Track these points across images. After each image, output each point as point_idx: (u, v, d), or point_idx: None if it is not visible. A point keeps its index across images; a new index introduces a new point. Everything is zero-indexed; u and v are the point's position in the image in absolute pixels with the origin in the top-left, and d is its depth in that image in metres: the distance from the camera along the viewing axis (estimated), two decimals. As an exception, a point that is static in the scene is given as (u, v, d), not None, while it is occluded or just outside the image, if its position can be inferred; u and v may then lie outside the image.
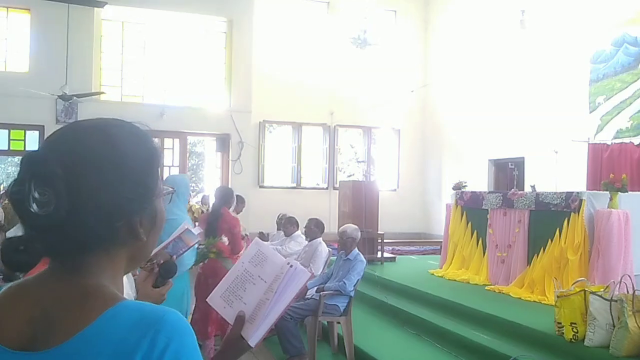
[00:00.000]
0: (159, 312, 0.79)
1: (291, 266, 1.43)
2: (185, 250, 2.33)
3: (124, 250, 0.88)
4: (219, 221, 5.09)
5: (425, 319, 5.65)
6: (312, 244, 6.25)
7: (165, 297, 1.87)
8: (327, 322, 5.47)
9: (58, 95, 9.95)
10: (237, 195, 6.25)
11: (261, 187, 13.75)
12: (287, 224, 6.80)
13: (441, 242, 8.53)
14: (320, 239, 6.29)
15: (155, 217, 0.91)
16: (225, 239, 5.00)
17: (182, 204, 4.32)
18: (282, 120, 14.27)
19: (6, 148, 11.82)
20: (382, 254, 8.68)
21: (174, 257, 2.11)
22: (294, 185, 14.50)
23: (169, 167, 13.25)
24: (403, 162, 15.23)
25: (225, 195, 5.37)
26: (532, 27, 10.31)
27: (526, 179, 10.94)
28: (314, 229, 6.26)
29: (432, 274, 7.48)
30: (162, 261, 1.92)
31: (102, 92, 11.47)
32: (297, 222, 6.84)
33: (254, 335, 1.34)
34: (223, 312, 1.47)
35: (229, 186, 6.14)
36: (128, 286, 1.90)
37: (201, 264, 5.05)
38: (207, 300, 1.54)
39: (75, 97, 10.26)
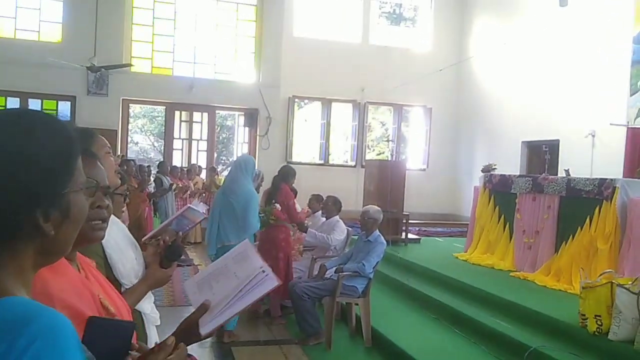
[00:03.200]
0: (29, 315, 0.74)
1: (263, 271, 1.45)
2: (192, 227, 2.37)
3: (30, 245, 0.85)
4: (276, 194, 5.69)
5: (446, 303, 5.55)
6: (329, 222, 6.18)
7: (171, 277, 1.89)
8: (346, 303, 5.43)
9: (87, 67, 10.03)
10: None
11: (289, 162, 13.70)
12: (331, 205, 6.38)
13: (469, 224, 8.37)
14: (337, 216, 6.21)
15: (69, 211, 0.88)
16: (278, 206, 5.70)
17: (249, 178, 5.22)
18: (312, 96, 14.14)
19: (38, 110, 12.04)
20: (406, 235, 8.56)
21: (180, 233, 2.12)
22: (322, 162, 14.43)
23: (197, 140, 13.32)
24: (434, 141, 14.97)
25: (285, 173, 5.97)
26: (572, 5, 9.86)
27: (560, 162, 10.61)
28: (331, 206, 6.19)
29: (456, 258, 7.35)
30: (167, 238, 1.93)
31: (130, 65, 11.52)
32: (340, 204, 6.42)
33: (207, 325, 1.37)
34: (192, 297, 1.51)
35: (287, 164, 6.35)
36: (136, 262, 1.89)
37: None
38: (183, 284, 1.55)
39: (103, 69, 10.32)
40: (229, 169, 6.68)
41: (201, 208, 2.33)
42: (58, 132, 0.87)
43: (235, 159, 14.81)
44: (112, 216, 1.89)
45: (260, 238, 5.81)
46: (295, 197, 6.97)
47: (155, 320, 1.97)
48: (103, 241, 1.69)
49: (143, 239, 2.17)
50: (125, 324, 1.06)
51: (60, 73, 11.18)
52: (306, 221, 6.38)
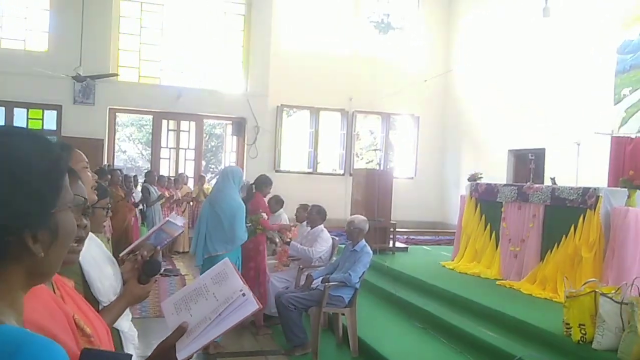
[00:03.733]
0: (16, 344, 0.71)
1: (243, 294, 1.42)
2: (170, 241, 2.33)
3: (18, 267, 0.82)
4: (248, 202, 5.64)
5: (432, 312, 5.56)
6: (313, 232, 6.11)
7: (149, 293, 1.86)
8: (332, 312, 5.42)
9: (72, 77, 9.97)
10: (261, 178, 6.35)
11: (277, 171, 13.69)
12: (315, 214, 6.19)
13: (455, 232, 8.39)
14: (322, 226, 6.15)
15: (57, 231, 0.86)
16: (264, 215, 5.73)
17: (236, 188, 5.24)
18: (300, 104, 14.16)
19: (25, 127, 11.92)
20: (393, 244, 8.58)
21: (158, 247, 2.08)
22: (311, 170, 14.43)
23: (185, 149, 13.27)
24: (421, 150, 15.04)
25: (260, 182, 6.03)
26: (557, 16, 9.99)
27: (546, 171, 10.69)
28: (315, 216, 6.14)
29: (444, 266, 7.37)
30: (145, 253, 1.89)
31: (116, 74, 11.47)
32: (325, 213, 6.25)
33: (185, 349, 1.34)
34: (169, 318, 1.47)
35: (265, 174, 6.28)
36: (114, 279, 1.86)
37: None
38: (161, 303, 1.52)
39: (88, 79, 10.27)
40: (216, 178, 6.65)
41: (179, 221, 2.30)
42: (45, 149, 0.85)
43: (223, 167, 14.79)
44: (90, 233, 1.87)
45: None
46: (281, 206, 6.96)
47: (132, 339, 1.93)
48: (80, 259, 1.67)
49: (120, 255, 2.14)
50: (122, 357, 1.03)
51: (47, 82, 11.11)
52: (291, 234, 6.34)
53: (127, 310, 1.87)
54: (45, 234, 0.83)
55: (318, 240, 5.97)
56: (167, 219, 2.28)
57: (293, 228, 6.50)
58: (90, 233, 1.85)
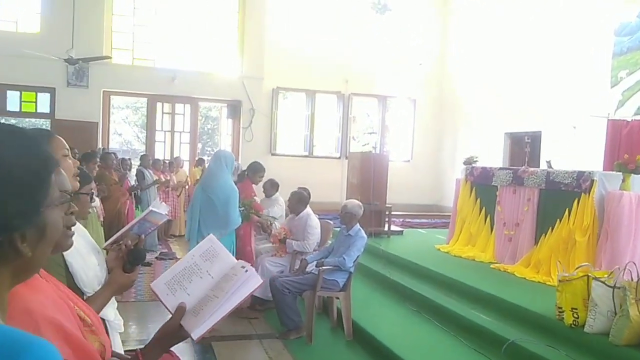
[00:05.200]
0: (23, 343, 0.69)
1: (246, 270, 1.44)
2: (154, 229, 2.32)
3: (6, 267, 0.81)
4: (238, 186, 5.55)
5: (427, 296, 5.58)
6: (300, 219, 6.02)
7: (134, 282, 1.84)
8: (327, 296, 5.43)
9: (64, 59, 9.86)
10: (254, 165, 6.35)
11: (273, 154, 13.66)
12: (294, 203, 6.10)
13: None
14: (308, 210, 6.08)
15: (45, 230, 0.85)
16: (257, 199, 5.77)
17: (229, 172, 5.27)
18: (296, 87, 14.07)
19: (18, 110, 11.84)
20: (389, 227, 8.58)
21: (143, 236, 2.08)
22: (307, 154, 14.40)
23: (180, 132, 13.21)
24: (418, 132, 15.01)
25: (252, 168, 5.97)
26: (555, -4, 9.90)
27: (542, 154, 10.68)
28: (296, 205, 6.05)
29: (438, 250, 7.38)
30: (129, 242, 1.89)
31: (109, 57, 11.35)
32: (306, 199, 6.11)
33: (198, 329, 1.37)
34: (165, 299, 1.48)
35: (258, 161, 6.21)
36: (98, 268, 1.84)
37: None
38: (151, 285, 1.52)
39: (81, 61, 10.16)
40: (208, 162, 6.61)
41: (163, 210, 2.28)
42: (32, 147, 0.84)
43: (215, 151, 14.75)
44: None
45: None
46: (277, 190, 6.93)
47: (119, 327, 1.93)
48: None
49: (104, 245, 2.12)
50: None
51: (40, 64, 11.00)
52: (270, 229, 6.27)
53: (113, 299, 1.86)
54: (33, 233, 0.82)
55: (307, 229, 5.87)
56: (150, 208, 2.26)
57: (275, 223, 6.38)
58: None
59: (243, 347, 5.00)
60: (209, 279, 1.47)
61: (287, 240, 5.86)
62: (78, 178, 1.81)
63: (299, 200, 6.05)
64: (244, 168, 5.95)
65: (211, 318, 1.37)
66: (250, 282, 1.43)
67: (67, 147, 1.76)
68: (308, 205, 6.13)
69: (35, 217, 0.82)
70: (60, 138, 1.74)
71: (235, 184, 5.46)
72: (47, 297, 1.05)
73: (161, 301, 1.49)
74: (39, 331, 0.93)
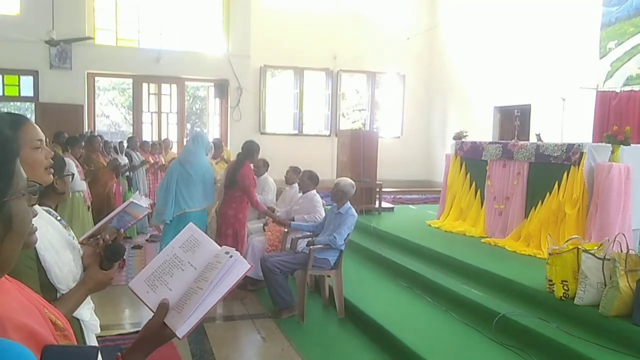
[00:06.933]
0: None
1: (230, 256, 1.34)
2: (134, 223, 2.21)
3: None
4: (238, 171, 5.55)
5: (418, 272, 5.58)
6: (306, 196, 6.10)
7: (112, 280, 1.71)
8: (318, 275, 5.43)
9: (45, 41, 9.65)
10: (215, 141, 6.70)
11: (262, 133, 13.56)
12: (306, 180, 6.10)
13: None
14: (314, 191, 6.14)
15: (11, 221, 0.78)
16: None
17: (204, 151, 5.46)
18: (284, 65, 13.91)
19: (0, 94, 11.62)
20: (379, 204, 8.57)
21: (122, 230, 1.96)
22: (296, 132, 14.31)
23: (167, 113, 13.06)
24: (408, 108, 14.94)
25: (249, 149, 5.71)
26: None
27: (532, 127, 10.68)
28: (307, 181, 6.09)
29: (429, 225, 7.39)
30: (107, 237, 1.75)
31: (91, 38, 11.14)
32: (317, 178, 6.16)
33: (183, 325, 1.26)
34: (145, 297, 1.38)
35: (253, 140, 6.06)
36: (74, 264, 1.72)
37: (215, 211, 5.86)
38: (129, 285, 1.44)
39: (62, 43, 9.94)
40: (186, 141, 6.68)
41: (144, 202, 2.17)
42: None
43: (207, 130, 14.62)
44: (48, 216, 1.74)
45: (217, 214, 5.83)
46: (267, 169, 6.88)
47: (95, 328, 1.80)
48: (37, 243, 1.56)
49: (81, 239, 1.98)
50: (88, 350, 0.95)
51: (21, 47, 10.79)
52: (277, 209, 6.27)
53: (89, 298, 1.74)
54: None
55: (316, 204, 6.00)
56: (130, 200, 2.13)
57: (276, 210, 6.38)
58: (49, 217, 1.73)
59: (235, 328, 5.00)
60: (192, 270, 1.38)
61: (295, 223, 5.73)
62: (52, 170, 1.69)
63: (310, 177, 6.10)
64: (240, 150, 5.80)
65: (196, 312, 1.27)
66: (237, 268, 1.34)
67: (41, 137, 1.61)
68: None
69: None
70: (35, 125, 1.60)
71: (236, 170, 5.58)
72: (14, 300, 0.96)
73: (142, 301, 1.39)
74: (6, 338, 0.87)
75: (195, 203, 5.31)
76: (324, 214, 5.90)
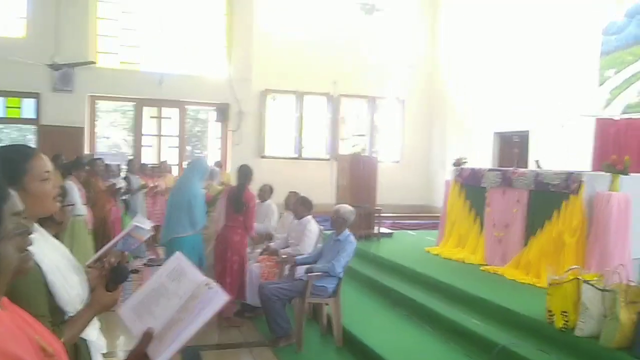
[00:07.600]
0: None
1: (209, 288, 1.37)
2: (138, 245, 2.27)
3: None
4: (242, 196, 5.62)
5: (417, 300, 5.54)
6: (301, 222, 6.08)
7: (118, 301, 1.77)
8: (316, 303, 5.38)
9: (48, 65, 9.73)
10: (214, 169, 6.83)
11: (262, 157, 13.58)
12: (299, 206, 6.14)
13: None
14: (310, 217, 6.11)
15: None
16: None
17: (197, 178, 5.56)
18: (285, 89, 13.99)
19: (2, 115, 11.67)
20: (378, 230, 8.54)
21: (126, 253, 2.01)
22: (296, 156, 14.33)
23: (168, 137, 13.10)
24: (407, 133, 14.99)
25: (246, 173, 5.76)
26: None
27: (531, 153, 10.70)
28: (300, 207, 6.07)
29: (428, 252, 7.36)
30: (112, 260, 1.82)
31: (94, 62, 11.22)
32: (310, 204, 6.19)
33: (162, 356, 1.28)
34: (132, 325, 1.41)
35: (246, 164, 6.11)
36: (80, 287, 1.77)
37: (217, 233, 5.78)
38: (119, 312, 1.46)
39: (65, 66, 10.02)
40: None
41: (147, 225, 2.22)
42: None
43: (207, 153, 14.65)
44: (55, 240, 1.78)
45: (216, 240, 5.72)
46: (271, 195, 6.89)
47: (101, 348, 1.86)
48: (44, 268, 1.58)
49: (87, 263, 2.05)
50: None
51: (24, 69, 10.85)
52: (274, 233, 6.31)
53: (95, 319, 1.79)
54: None
55: (305, 233, 5.92)
56: (134, 223, 2.19)
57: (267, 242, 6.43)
58: (54, 241, 1.77)
59: (232, 356, 4.94)
60: (177, 300, 1.39)
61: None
62: (60, 198, 1.74)
63: (302, 203, 6.07)
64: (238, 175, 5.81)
65: (175, 342, 1.29)
66: (215, 301, 1.36)
67: (49, 168, 1.62)
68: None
69: None
70: (43, 157, 1.61)
71: (236, 195, 5.63)
72: (4, 329, 1.00)
73: (129, 328, 1.42)
74: None
75: (180, 229, 5.36)
76: (311, 245, 5.87)
